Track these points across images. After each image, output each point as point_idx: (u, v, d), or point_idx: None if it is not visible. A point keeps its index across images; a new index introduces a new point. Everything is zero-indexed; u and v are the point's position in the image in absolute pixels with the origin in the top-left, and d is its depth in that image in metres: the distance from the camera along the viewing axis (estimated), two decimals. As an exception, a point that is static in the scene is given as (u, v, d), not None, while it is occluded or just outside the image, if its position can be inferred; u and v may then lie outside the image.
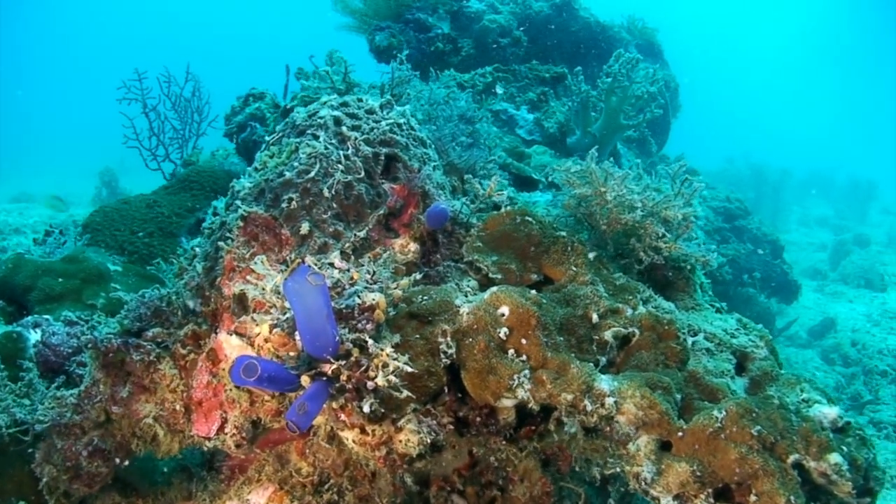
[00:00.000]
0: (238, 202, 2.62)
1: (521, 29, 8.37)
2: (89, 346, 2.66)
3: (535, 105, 6.82)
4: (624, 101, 5.70)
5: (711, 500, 2.12)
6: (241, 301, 2.48)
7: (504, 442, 2.48)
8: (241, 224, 2.57)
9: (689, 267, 3.10)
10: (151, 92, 8.47)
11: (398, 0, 8.13)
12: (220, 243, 2.60)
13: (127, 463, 2.74)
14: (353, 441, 2.28)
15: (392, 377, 2.08)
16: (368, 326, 2.14)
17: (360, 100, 2.89)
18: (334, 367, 2.07)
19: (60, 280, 3.52)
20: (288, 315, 2.21)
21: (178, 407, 2.65)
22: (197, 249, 2.87)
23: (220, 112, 8.78)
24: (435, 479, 2.56)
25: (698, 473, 2.13)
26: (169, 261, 5.17)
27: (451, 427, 2.40)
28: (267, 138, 2.90)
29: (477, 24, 8.18)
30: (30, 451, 2.75)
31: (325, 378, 2.09)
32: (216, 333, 2.58)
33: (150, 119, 8.62)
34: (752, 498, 2.09)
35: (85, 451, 2.65)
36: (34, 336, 3.18)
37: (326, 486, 2.59)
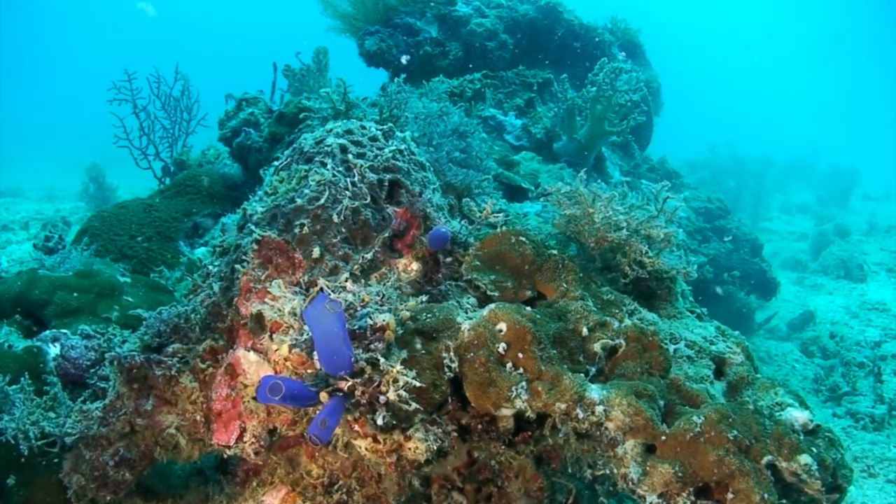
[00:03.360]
0: (252, 226, 2.79)
1: (507, 32, 8.52)
2: (114, 362, 2.83)
3: (522, 111, 6.98)
4: (608, 108, 5.88)
5: (693, 498, 2.28)
6: (259, 320, 2.65)
7: (503, 446, 2.66)
8: (256, 248, 2.74)
9: (670, 278, 3.29)
10: (141, 92, 8.60)
11: (386, 4, 8.23)
12: (237, 265, 2.77)
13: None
14: (366, 449, 2.44)
15: (402, 391, 2.26)
16: (380, 346, 2.33)
17: (363, 127, 3.04)
18: (350, 384, 2.26)
19: (75, 295, 3.67)
20: (306, 336, 2.39)
21: (198, 417, 2.82)
22: (210, 268, 3.03)
23: (209, 110, 8.91)
24: (436, 478, 2.71)
25: (680, 474, 2.29)
26: (171, 267, 5.34)
27: (455, 434, 2.57)
28: (276, 163, 3.07)
29: (464, 27, 8.31)
30: (55, 461, 2.89)
31: (341, 394, 2.29)
32: (233, 349, 2.75)
33: (140, 119, 8.76)
34: (730, 496, 2.25)
35: (111, 461, 2.81)
36: (53, 350, 3.32)
37: (336, 487, 2.74)
